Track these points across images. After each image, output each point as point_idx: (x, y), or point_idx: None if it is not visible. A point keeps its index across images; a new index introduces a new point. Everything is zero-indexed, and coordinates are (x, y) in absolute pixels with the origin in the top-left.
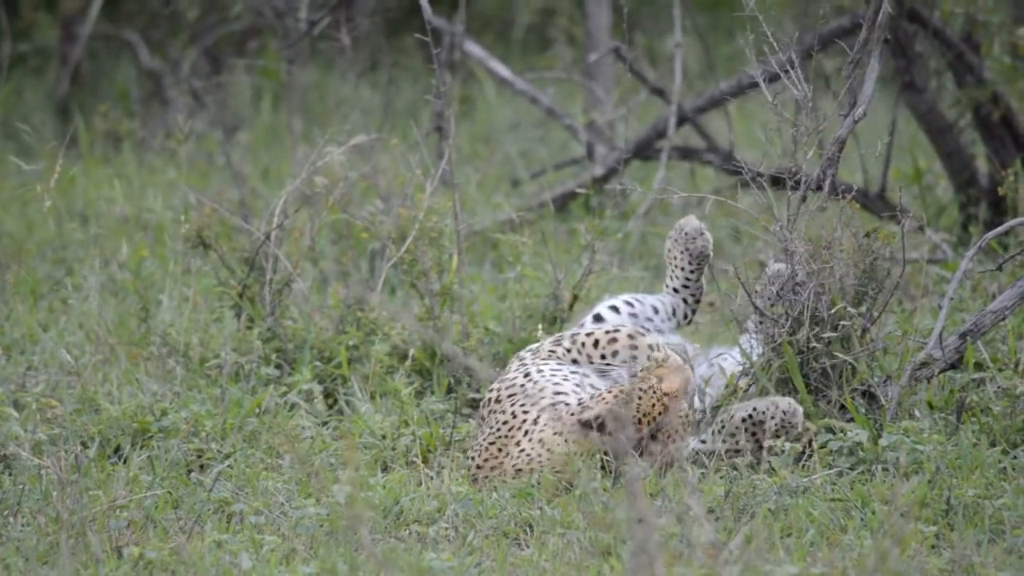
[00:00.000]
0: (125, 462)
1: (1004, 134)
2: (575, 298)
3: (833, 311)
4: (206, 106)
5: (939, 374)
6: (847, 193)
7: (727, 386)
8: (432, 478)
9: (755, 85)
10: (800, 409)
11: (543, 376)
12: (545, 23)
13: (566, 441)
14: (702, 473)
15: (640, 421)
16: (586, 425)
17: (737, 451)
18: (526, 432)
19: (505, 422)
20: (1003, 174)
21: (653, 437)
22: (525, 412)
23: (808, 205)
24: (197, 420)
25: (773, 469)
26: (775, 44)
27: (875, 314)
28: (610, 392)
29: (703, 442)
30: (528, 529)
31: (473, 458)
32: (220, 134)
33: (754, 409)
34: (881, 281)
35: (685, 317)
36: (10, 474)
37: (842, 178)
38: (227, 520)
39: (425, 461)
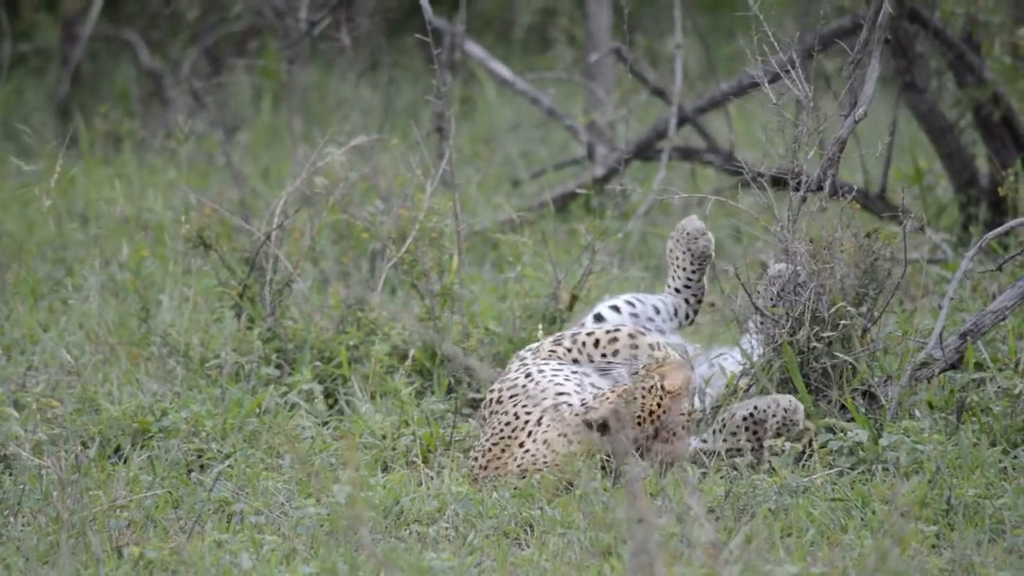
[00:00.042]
0: (125, 462)
1: (1005, 134)
2: (574, 298)
3: (833, 310)
4: (206, 106)
5: (939, 374)
6: (848, 193)
7: (727, 386)
8: (432, 478)
9: (756, 85)
10: (801, 407)
11: (544, 377)
12: (546, 23)
13: (570, 442)
14: (702, 473)
15: (642, 420)
16: (591, 426)
17: (739, 450)
18: (529, 432)
19: (508, 423)
20: (1003, 174)
21: (654, 436)
22: (528, 412)
23: (809, 205)
24: (197, 420)
25: (773, 469)
26: (776, 44)
27: (876, 314)
28: (613, 392)
29: (704, 441)
30: (528, 529)
31: (476, 459)
32: (220, 134)
33: (755, 407)
34: (882, 281)
35: (687, 317)
36: (10, 474)
37: (843, 178)
38: (227, 520)
39: (425, 461)
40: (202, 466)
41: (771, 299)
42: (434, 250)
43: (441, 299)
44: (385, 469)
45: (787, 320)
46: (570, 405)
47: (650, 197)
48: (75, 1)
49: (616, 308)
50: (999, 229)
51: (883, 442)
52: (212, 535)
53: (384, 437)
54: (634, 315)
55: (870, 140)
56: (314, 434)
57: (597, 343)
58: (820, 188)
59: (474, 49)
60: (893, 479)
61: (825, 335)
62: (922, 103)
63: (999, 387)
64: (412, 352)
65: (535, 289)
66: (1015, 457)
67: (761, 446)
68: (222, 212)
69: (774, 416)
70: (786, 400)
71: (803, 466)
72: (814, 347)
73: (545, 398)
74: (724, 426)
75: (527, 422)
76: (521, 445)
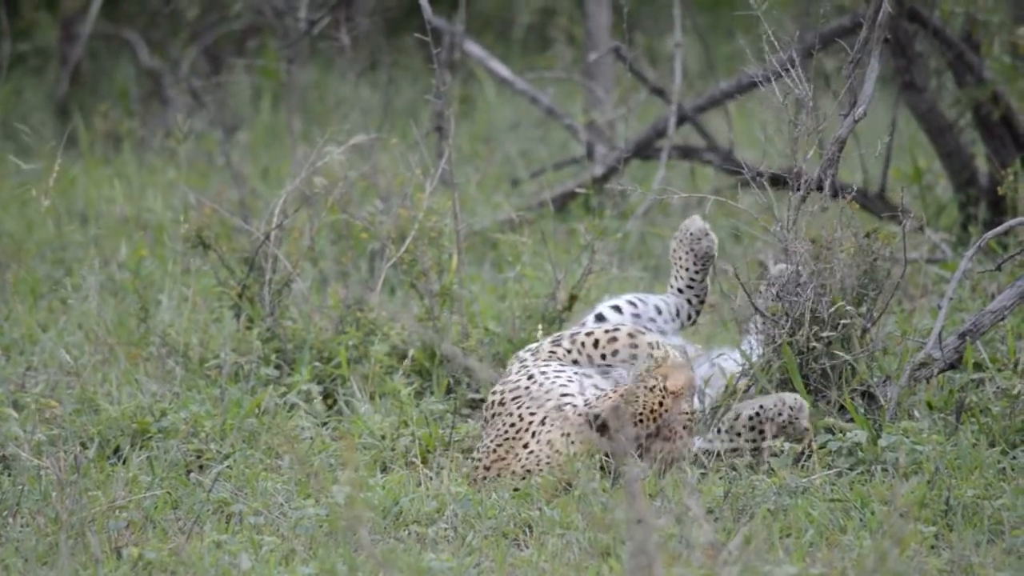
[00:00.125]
0: (124, 463)
1: (1004, 134)
2: (573, 298)
3: (833, 310)
4: (206, 106)
5: (938, 374)
6: (847, 193)
7: (727, 387)
8: (431, 479)
9: (755, 85)
10: (806, 405)
11: (548, 378)
12: (545, 23)
13: (572, 441)
14: (701, 473)
15: (643, 419)
16: (592, 424)
17: (754, 449)
18: (533, 433)
19: (513, 424)
20: (1003, 174)
21: (655, 434)
22: (532, 414)
23: (808, 205)
24: (196, 420)
25: (772, 470)
26: (776, 44)
27: (875, 314)
28: (615, 392)
29: (710, 441)
30: (527, 530)
31: (480, 459)
32: (220, 134)
33: (761, 406)
34: (881, 281)
35: (689, 318)
36: (9, 475)
37: (842, 178)
38: (226, 520)
39: (424, 462)
40: (201, 467)
41: (772, 300)
42: (433, 250)
43: (440, 299)
44: (384, 470)
45: (787, 320)
46: (574, 406)
47: (649, 197)
48: (74, 0)
49: (618, 308)
50: (998, 229)
51: (882, 443)
52: (211, 536)
53: (383, 437)
54: (636, 315)
55: (870, 140)
56: (313, 435)
57: (596, 343)
58: (820, 188)
59: (473, 48)
60: (892, 480)
61: (824, 335)
62: (921, 102)
63: (998, 387)
64: (411, 352)
65: (534, 289)
66: (1014, 458)
67: (768, 445)
68: (221, 212)
69: (780, 415)
70: (792, 398)
71: (802, 467)
72: (813, 347)
73: (549, 399)
74: (731, 426)
75: (531, 423)
76: (525, 446)
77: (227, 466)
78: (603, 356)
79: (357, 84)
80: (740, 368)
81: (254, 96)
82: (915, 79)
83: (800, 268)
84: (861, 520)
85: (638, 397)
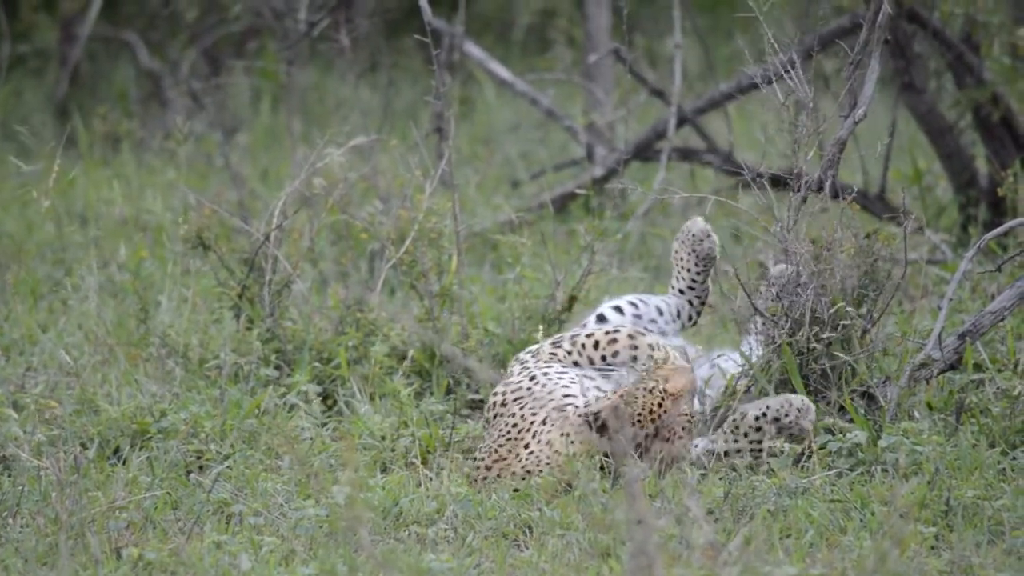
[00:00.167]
0: (124, 463)
1: (1004, 135)
2: (573, 299)
3: (833, 310)
4: (205, 107)
5: (938, 375)
6: (847, 194)
7: (727, 388)
8: (431, 479)
9: (755, 86)
10: (812, 407)
11: (550, 379)
12: (545, 24)
13: (572, 441)
14: (701, 474)
15: (642, 420)
16: (591, 424)
17: (758, 450)
18: (534, 434)
19: (515, 424)
20: (1003, 175)
21: (654, 435)
22: (534, 414)
23: (809, 206)
24: (196, 421)
25: (772, 470)
26: (776, 45)
27: (875, 315)
28: (616, 393)
29: (714, 442)
30: (527, 530)
31: (482, 460)
32: (219, 135)
33: (767, 407)
34: (881, 282)
35: (690, 319)
36: (9, 475)
37: (842, 179)
38: (226, 521)
39: (424, 462)
40: (201, 467)
41: (771, 301)
42: (433, 251)
43: (440, 300)
44: (384, 470)
45: (786, 321)
46: (576, 407)
47: (650, 197)
48: (74, 2)
49: (619, 309)
50: (998, 230)
51: (882, 443)
52: (211, 536)
53: (383, 438)
54: (637, 316)
55: (870, 141)
56: (313, 435)
57: (597, 344)
58: (820, 189)
59: (473, 50)
60: (892, 480)
61: (824, 336)
62: (921, 104)
63: (998, 388)
64: (411, 353)
65: (534, 290)
66: (1014, 458)
67: (771, 446)
68: (221, 213)
69: (787, 416)
70: (798, 400)
71: (802, 467)
72: (813, 348)
73: (551, 400)
74: (736, 427)
75: (532, 423)
76: (526, 446)
77: (227, 467)
78: (603, 357)
79: (357, 85)
80: (740, 368)
81: (254, 98)
82: (915, 80)
83: (800, 269)
84: (861, 521)
85: (637, 399)
